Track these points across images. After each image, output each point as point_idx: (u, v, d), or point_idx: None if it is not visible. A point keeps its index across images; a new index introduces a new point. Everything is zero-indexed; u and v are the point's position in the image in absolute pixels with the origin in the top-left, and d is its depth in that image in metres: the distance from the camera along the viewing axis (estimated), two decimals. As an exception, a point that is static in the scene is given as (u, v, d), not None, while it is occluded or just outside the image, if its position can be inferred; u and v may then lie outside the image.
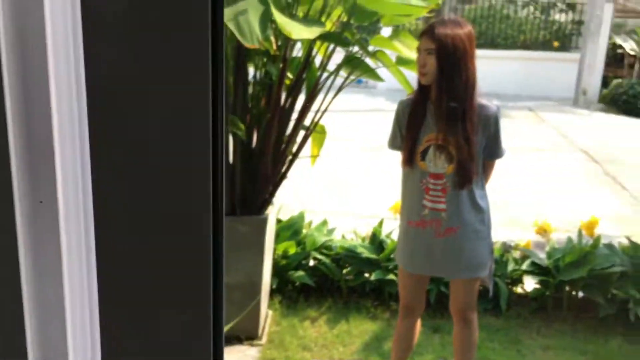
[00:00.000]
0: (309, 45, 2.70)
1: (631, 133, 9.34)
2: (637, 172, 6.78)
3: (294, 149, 2.90)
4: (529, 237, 4.33)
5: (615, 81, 12.12)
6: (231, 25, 1.66)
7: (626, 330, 3.22)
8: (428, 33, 2.12)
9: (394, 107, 2.34)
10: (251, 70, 2.88)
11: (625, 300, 3.21)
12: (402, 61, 2.74)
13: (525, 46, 13.87)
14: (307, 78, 2.85)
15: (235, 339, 3.00)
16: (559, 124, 9.66)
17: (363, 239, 3.63)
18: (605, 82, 12.60)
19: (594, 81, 12.23)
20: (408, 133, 2.22)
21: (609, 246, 3.43)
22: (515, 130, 9.02)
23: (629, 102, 11.09)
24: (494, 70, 12.94)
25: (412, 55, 2.69)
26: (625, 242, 3.52)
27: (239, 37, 1.70)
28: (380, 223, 3.61)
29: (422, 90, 2.19)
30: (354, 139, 8.06)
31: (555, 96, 13.04)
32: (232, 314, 2.90)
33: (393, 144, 2.33)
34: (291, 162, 2.92)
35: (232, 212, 2.82)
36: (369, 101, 11.52)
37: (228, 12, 1.65)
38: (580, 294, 3.39)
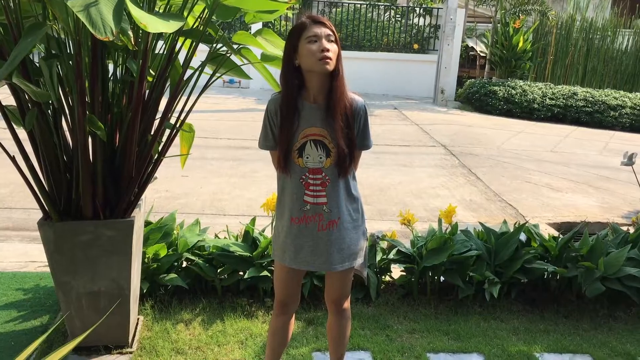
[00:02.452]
0: (172, 41, 2.64)
1: (483, 129, 10.12)
2: (488, 164, 7.37)
3: (160, 148, 2.81)
4: (396, 227, 4.56)
5: (469, 81, 13.09)
6: (82, 17, 1.56)
7: (483, 310, 3.49)
8: (323, 21, 2.13)
9: (262, 106, 2.33)
10: (111, 68, 2.75)
11: (481, 281, 3.48)
12: (266, 58, 2.76)
13: (389, 48, 14.55)
14: (171, 75, 2.78)
15: (104, 348, 2.86)
16: (420, 121, 10.24)
17: (236, 238, 3.61)
18: (460, 82, 13.56)
19: (450, 81, 13.12)
20: (283, 131, 2.21)
21: (466, 232, 3.70)
22: (382, 127, 9.44)
23: (481, 100, 12.02)
24: (362, 71, 13.49)
25: (277, 52, 2.72)
26: (480, 227, 3.81)
27: (90, 29, 1.61)
28: (253, 221, 3.61)
29: (291, 87, 2.19)
30: (223, 138, 7.98)
31: (417, 95, 13.83)
32: (97, 322, 2.75)
33: (265, 144, 2.30)
34: (157, 162, 2.83)
35: (96, 216, 2.68)
36: (240, 101, 11.46)
37: (78, 3, 1.55)
38: (442, 278, 3.62)
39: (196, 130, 3.02)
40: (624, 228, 5.02)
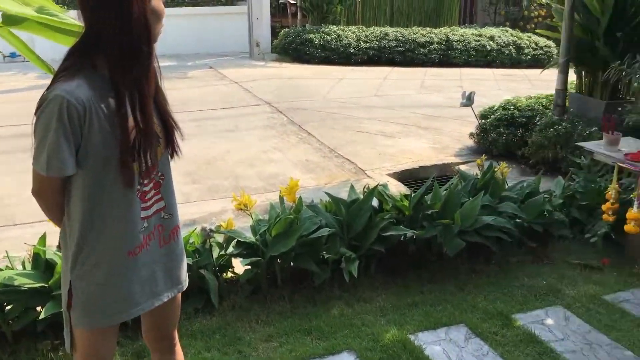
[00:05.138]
0: None
1: (305, 79, 9.75)
2: (318, 117, 6.98)
3: None
4: (232, 206, 3.95)
5: (283, 30, 12.59)
6: None
7: (343, 292, 3.04)
8: None
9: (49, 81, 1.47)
10: None
11: (337, 260, 3.02)
12: (12, 21, 1.91)
13: (194, 3, 13.50)
14: None
15: None
16: (240, 78, 9.57)
17: (24, 263, 2.74)
18: (274, 32, 13.02)
19: (264, 32, 12.51)
20: (123, 135, 1.47)
21: (313, 207, 3.20)
22: (199, 89, 8.62)
23: (298, 49, 11.62)
24: (168, 30, 12.29)
25: (26, 11, 1.88)
26: (325, 197, 3.33)
27: None
28: (43, 240, 2.76)
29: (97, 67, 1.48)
30: (9, 125, 6.65)
31: (232, 51, 13.06)
32: None
33: (61, 168, 1.44)
34: None
35: None
36: (26, 78, 9.82)
37: None
38: (293, 264, 3.10)
39: None
40: (460, 167, 4.92)
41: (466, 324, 2.79)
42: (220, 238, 3.06)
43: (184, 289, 1.84)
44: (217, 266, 3.02)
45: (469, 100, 3.44)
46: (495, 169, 3.57)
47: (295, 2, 13.48)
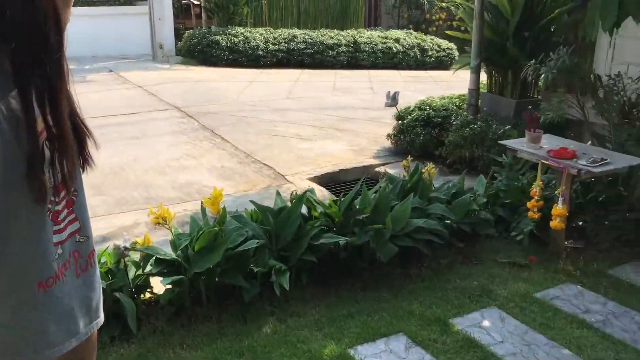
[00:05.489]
0: None
1: (213, 82, 9.43)
2: (230, 121, 6.73)
3: None
4: (145, 218, 3.67)
5: (188, 32, 12.15)
6: None
7: (275, 308, 2.84)
8: None
9: None
10: None
11: (267, 274, 2.82)
12: None
13: (89, 2, 12.76)
14: None
15: None
16: (144, 82, 9.09)
17: None
18: (178, 34, 12.55)
19: (167, 34, 12.03)
20: (30, 141, 1.18)
21: (238, 217, 2.98)
22: (99, 94, 8.08)
23: (204, 52, 11.24)
24: (61, 31, 11.50)
25: None
26: (250, 205, 3.13)
27: None
28: None
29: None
30: None
31: (133, 53, 12.45)
32: None
33: None
34: None
35: None
36: None
37: None
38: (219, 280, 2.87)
39: None
40: (383, 169, 4.86)
41: (405, 332, 2.68)
42: (136, 256, 2.77)
43: (102, 322, 1.59)
44: (134, 287, 2.73)
45: (393, 101, 3.38)
46: (423, 170, 3.51)
47: (199, 3, 13.07)
